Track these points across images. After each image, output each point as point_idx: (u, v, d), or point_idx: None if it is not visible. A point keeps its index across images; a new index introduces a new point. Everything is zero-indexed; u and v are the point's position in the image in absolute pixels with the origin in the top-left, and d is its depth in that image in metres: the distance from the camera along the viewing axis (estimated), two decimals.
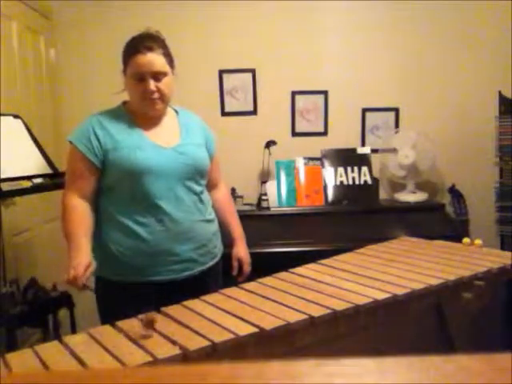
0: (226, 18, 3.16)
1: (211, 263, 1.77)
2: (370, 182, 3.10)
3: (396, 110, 3.25)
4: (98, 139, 1.62)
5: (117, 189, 1.64)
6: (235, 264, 1.86)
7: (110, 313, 1.55)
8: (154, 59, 1.60)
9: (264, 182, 3.07)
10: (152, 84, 1.61)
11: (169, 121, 1.75)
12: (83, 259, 1.47)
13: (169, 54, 1.67)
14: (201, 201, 1.74)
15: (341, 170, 3.12)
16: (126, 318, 1.32)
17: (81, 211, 1.61)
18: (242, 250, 1.90)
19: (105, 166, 1.63)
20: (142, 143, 1.64)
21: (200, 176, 1.74)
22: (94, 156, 1.62)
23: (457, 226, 2.93)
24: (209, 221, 1.77)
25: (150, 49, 1.60)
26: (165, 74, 1.63)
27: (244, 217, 2.94)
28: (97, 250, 1.64)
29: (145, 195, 1.61)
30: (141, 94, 1.63)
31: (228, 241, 1.91)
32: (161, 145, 1.66)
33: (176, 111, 1.81)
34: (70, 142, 1.66)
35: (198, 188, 1.72)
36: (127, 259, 1.63)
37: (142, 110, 1.68)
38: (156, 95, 1.63)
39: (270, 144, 3.06)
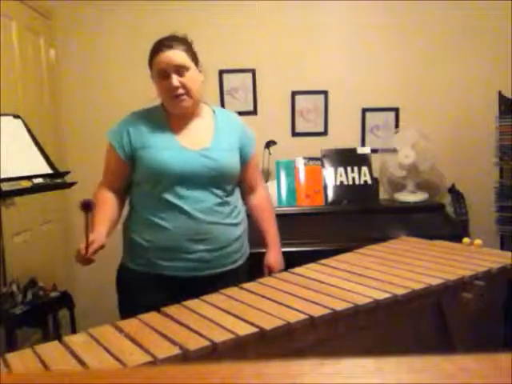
0: (226, 18, 3.16)
1: (228, 268, 1.75)
2: (369, 182, 3.10)
3: (396, 110, 3.25)
4: (130, 136, 1.69)
5: (142, 185, 1.72)
6: (266, 271, 1.86)
7: (126, 299, 1.74)
8: (174, 54, 1.64)
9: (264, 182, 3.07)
10: (175, 79, 1.63)
11: (203, 122, 1.77)
12: (91, 235, 1.52)
13: (191, 51, 1.70)
14: (224, 203, 1.73)
15: (341, 169, 3.12)
16: (141, 305, 1.44)
17: (103, 202, 1.70)
18: (271, 257, 1.87)
19: (134, 162, 1.70)
20: (169, 144, 1.68)
21: (225, 182, 1.73)
22: (122, 152, 1.70)
23: (457, 225, 2.93)
24: (231, 225, 1.75)
25: (170, 46, 1.64)
26: (187, 69, 1.66)
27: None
28: (125, 239, 1.78)
29: (165, 194, 1.66)
30: (166, 92, 1.66)
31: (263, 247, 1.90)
32: (187, 147, 1.69)
33: (214, 111, 1.83)
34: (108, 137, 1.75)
35: (221, 192, 1.72)
36: (145, 251, 1.70)
37: (171, 109, 1.71)
38: (181, 90, 1.65)
39: (269, 144, 3.06)
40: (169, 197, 1.66)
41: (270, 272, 1.84)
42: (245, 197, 1.89)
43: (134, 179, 1.74)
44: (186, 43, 1.71)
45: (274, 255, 1.88)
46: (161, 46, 1.66)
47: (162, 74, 1.65)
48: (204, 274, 1.69)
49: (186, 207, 1.66)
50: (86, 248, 1.49)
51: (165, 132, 1.71)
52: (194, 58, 1.71)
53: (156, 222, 1.68)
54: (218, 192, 1.71)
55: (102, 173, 1.78)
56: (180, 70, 1.65)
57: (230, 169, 1.75)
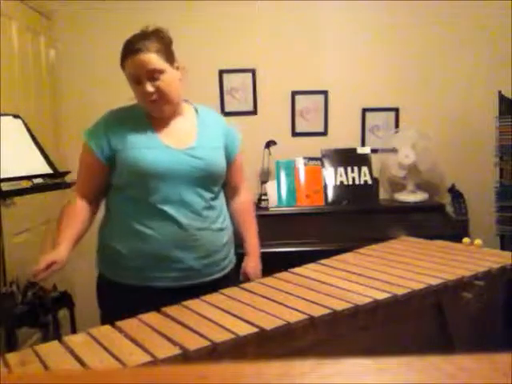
0: (226, 18, 3.16)
1: (217, 276, 1.67)
2: (369, 182, 3.10)
3: (396, 110, 3.25)
4: (108, 137, 1.59)
5: (124, 189, 1.61)
6: (241, 279, 1.74)
7: (108, 312, 1.58)
8: (145, 59, 1.51)
9: (264, 182, 3.07)
10: (148, 85, 1.52)
11: (185, 120, 1.68)
12: (50, 256, 1.44)
13: (165, 50, 1.56)
14: (211, 207, 1.64)
15: (341, 169, 3.12)
16: (124, 319, 1.30)
17: (73, 211, 1.60)
18: (250, 265, 1.77)
19: (113, 164, 1.60)
20: (152, 144, 1.58)
21: (213, 182, 1.65)
22: (101, 153, 1.59)
23: (457, 226, 2.93)
24: (219, 230, 1.67)
25: (139, 50, 1.51)
26: (161, 72, 1.53)
27: None
28: (101, 247, 1.67)
29: (150, 198, 1.56)
30: (141, 97, 1.57)
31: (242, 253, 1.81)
32: (172, 146, 1.59)
33: (196, 110, 1.73)
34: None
35: (208, 194, 1.63)
36: (127, 261, 1.59)
37: (150, 113, 1.62)
38: (155, 96, 1.54)
39: (269, 144, 3.06)
40: (154, 201, 1.56)
41: (246, 280, 1.71)
42: (228, 199, 1.81)
43: (114, 183, 1.63)
44: (158, 40, 1.55)
45: (252, 263, 1.78)
46: (130, 49, 1.53)
47: (134, 80, 1.54)
48: (193, 284, 1.59)
49: (172, 213, 1.56)
50: (45, 267, 1.40)
51: (146, 131, 1.60)
52: (169, 57, 1.57)
53: (141, 229, 1.57)
54: (206, 194, 1.62)
55: (77, 177, 1.68)
56: (153, 74, 1.53)
57: (218, 168, 1.66)
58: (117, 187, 1.63)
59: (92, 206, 1.65)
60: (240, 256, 1.80)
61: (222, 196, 1.74)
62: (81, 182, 1.66)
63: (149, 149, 1.57)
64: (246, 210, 1.84)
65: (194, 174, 1.59)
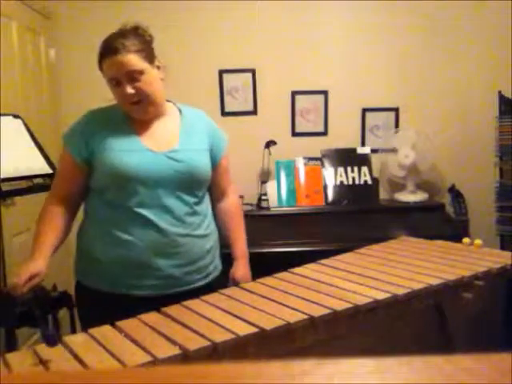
0: (226, 18, 3.16)
1: (201, 283, 1.59)
2: (369, 182, 3.10)
3: (396, 110, 3.25)
4: (86, 138, 1.52)
5: (102, 193, 1.54)
6: (230, 284, 1.65)
7: (87, 321, 1.51)
8: (124, 60, 1.44)
9: (264, 182, 3.08)
10: (128, 88, 1.46)
11: (168, 122, 1.60)
12: (30, 268, 1.38)
13: (144, 49, 1.49)
14: (194, 213, 1.57)
15: (341, 169, 3.12)
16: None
17: (50, 217, 1.53)
18: (239, 271, 1.68)
19: (92, 167, 1.53)
20: (132, 146, 1.51)
21: (196, 186, 1.58)
22: (79, 155, 1.52)
23: (457, 226, 2.93)
24: (202, 236, 1.60)
25: (118, 50, 1.44)
26: (141, 72, 1.47)
27: (244, 217, 2.96)
28: (79, 253, 1.61)
29: (128, 202, 1.49)
30: (121, 100, 1.51)
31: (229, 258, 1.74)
32: (153, 149, 1.52)
33: (180, 110, 1.66)
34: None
35: (191, 199, 1.56)
36: (104, 268, 1.53)
37: (131, 115, 1.55)
38: (136, 98, 1.48)
39: (269, 144, 3.07)
40: (133, 206, 1.49)
41: (235, 286, 1.62)
42: (214, 203, 1.73)
43: (92, 186, 1.56)
44: (137, 39, 1.49)
45: (241, 269, 1.69)
46: (108, 49, 1.46)
47: (113, 82, 1.48)
48: (175, 292, 1.51)
49: (153, 218, 1.49)
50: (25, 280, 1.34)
51: (126, 133, 1.53)
52: (149, 56, 1.50)
53: (119, 235, 1.50)
54: (189, 199, 1.55)
55: (54, 181, 1.62)
56: (133, 75, 1.46)
57: (201, 171, 1.58)
58: (95, 191, 1.57)
59: (70, 210, 1.58)
60: (227, 259, 1.74)
61: (206, 200, 1.67)
62: (59, 186, 1.59)
63: (128, 151, 1.50)
64: (233, 213, 1.76)
65: (175, 177, 1.52)
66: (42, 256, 1.44)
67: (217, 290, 1.53)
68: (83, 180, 1.56)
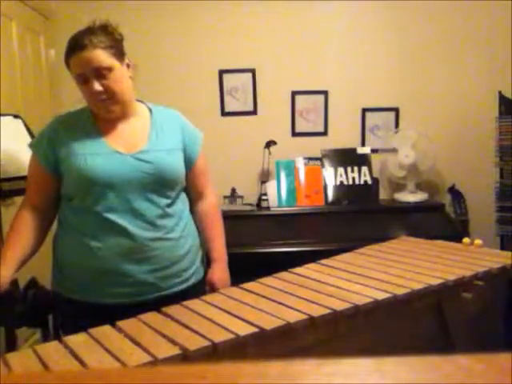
0: (226, 18, 3.17)
1: (180, 287, 1.54)
2: (369, 182, 3.10)
3: (396, 110, 3.26)
4: (53, 144, 1.49)
5: (72, 199, 1.50)
6: (208, 288, 1.59)
7: (65, 327, 1.50)
8: (92, 56, 1.40)
9: (264, 182, 3.08)
10: (96, 84, 1.42)
11: (137, 122, 1.55)
12: None
13: (113, 46, 1.46)
14: (167, 215, 1.51)
15: (341, 169, 3.12)
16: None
17: (20, 229, 1.49)
18: (216, 274, 1.60)
19: (60, 174, 1.49)
20: (98, 149, 1.47)
21: (168, 188, 1.52)
22: (45, 162, 1.49)
23: (457, 226, 2.93)
24: (177, 239, 1.53)
25: (85, 46, 1.40)
26: (109, 69, 1.43)
27: (244, 217, 2.96)
28: (54, 262, 1.59)
29: (96, 207, 1.45)
30: (89, 97, 1.47)
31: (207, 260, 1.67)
32: (120, 150, 1.47)
33: (150, 110, 1.59)
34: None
35: (163, 201, 1.50)
36: (77, 276, 1.50)
37: (98, 114, 1.51)
38: (104, 96, 1.44)
39: (269, 144, 3.07)
40: (102, 211, 1.45)
41: (213, 290, 1.57)
42: (192, 204, 1.67)
43: (63, 193, 1.52)
44: (106, 35, 1.46)
45: (219, 272, 1.62)
46: (75, 45, 1.41)
47: (80, 79, 1.44)
48: (150, 298, 1.47)
49: (122, 223, 1.44)
50: None
51: (93, 136, 1.49)
52: (118, 53, 1.47)
53: (88, 242, 1.46)
54: (160, 201, 1.49)
55: (26, 187, 1.57)
56: (101, 72, 1.42)
57: (171, 171, 1.52)
58: (65, 198, 1.53)
59: (42, 219, 1.54)
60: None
61: (181, 201, 1.60)
62: (31, 193, 1.55)
63: (93, 155, 1.45)
64: (210, 213, 1.69)
65: (144, 179, 1.47)
66: (5, 268, 1.43)
67: (199, 293, 1.50)
68: (53, 188, 1.52)
